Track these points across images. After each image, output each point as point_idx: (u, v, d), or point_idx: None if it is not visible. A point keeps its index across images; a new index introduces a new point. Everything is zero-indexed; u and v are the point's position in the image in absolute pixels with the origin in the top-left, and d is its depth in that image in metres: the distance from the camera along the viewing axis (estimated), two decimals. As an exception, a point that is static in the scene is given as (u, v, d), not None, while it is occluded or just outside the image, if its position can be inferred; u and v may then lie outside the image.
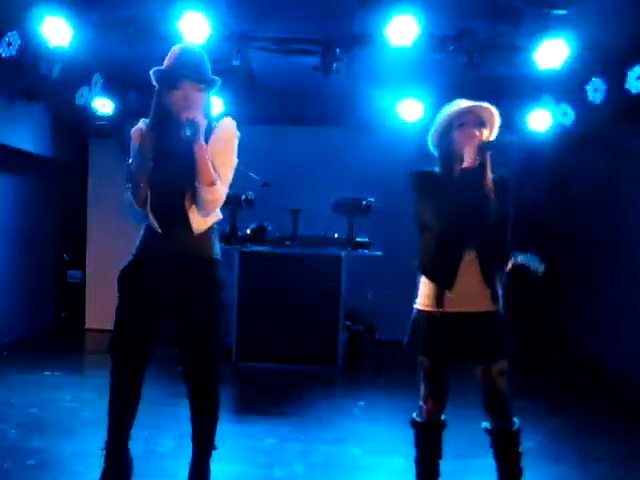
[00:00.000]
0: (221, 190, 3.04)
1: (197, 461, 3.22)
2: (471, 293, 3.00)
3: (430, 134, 3.13)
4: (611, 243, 6.94)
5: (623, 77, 5.53)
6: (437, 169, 3.12)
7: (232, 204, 6.62)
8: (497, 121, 3.07)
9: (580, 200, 7.68)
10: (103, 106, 6.95)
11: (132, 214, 3.25)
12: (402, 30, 5.04)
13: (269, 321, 6.54)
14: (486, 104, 3.03)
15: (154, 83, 3.06)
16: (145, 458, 3.88)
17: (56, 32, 5.18)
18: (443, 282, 3.01)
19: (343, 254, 6.63)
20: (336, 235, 6.81)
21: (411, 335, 3.13)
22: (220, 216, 3.20)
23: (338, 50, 5.57)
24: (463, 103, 3.03)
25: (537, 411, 5.22)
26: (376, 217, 6.82)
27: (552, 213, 7.79)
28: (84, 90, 6.65)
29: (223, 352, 6.65)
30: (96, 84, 6.69)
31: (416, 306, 3.16)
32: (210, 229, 3.13)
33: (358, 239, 6.75)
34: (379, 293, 7.60)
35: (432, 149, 3.17)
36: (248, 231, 6.76)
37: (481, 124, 3.01)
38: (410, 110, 7.09)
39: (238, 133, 3.17)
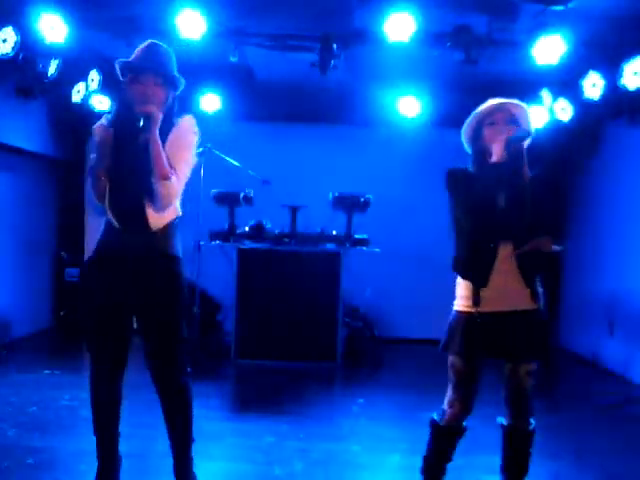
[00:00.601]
0: (176, 185, 3.00)
1: (178, 457, 3.22)
2: (509, 291, 2.94)
3: (462, 132, 3.11)
4: (607, 238, 6.95)
5: (620, 72, 5.54)
6: (470, 167, 3.09)
7: (231, 201, 6.63)
8: (528, 117, 3.04)
9: (578, 194, 7.69)
10: (100, 103, 6.94)
11: (95, 209, 3.24)
12: (400, 27, 5.04)
13: (268, 318, 6.53)
14: (516, 101, 3.01)
15: (119, 76, 3.09)
16: (143, 457, 3.89)
17: (53, 29, 5.18)
18: (477, 280, 2.95)
19: (342, 251, 6.62)
20: (334, 232, 6.80)
21: (448, 336, 3.05)
22: (179, 212, 3.17)
23: (336, 47, 5.55)
24: (494, 101, 3.01)
25: (534, 408, 5.23)
26: (374, 214, 6.82)
27: (545, 211, 7.78)
28: (81, 87, 6.64)
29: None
30: (93, 81, 6.68)
31: (454, 307, 3.08)
32: (169, 226, 3.11)
33: (357, 236, 6.74)
34: (378, 290, 7.60)
35: (465, 147, 3.14)
36: (247, 228, 6.75)
37: (512, 121, 2.98)
38: (408, 106, 7.08)
39: (197, 130, 3.15)
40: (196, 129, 3.15)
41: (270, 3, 5.07)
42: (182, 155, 3.07)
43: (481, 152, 3.03)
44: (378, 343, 7.34)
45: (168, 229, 3.10)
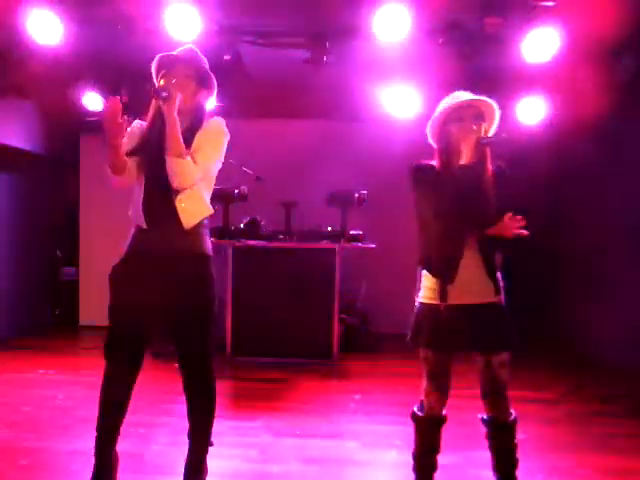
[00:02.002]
0: (191, 167, 2.98)
1: (193, 458, 3.23)
2: (474, 285, 2.99)
3: (428, 126, 3.11)
4: (602, 231, 6.96)
5: (612, 67, 5.56)
6: (435, 162, 3.09)
7: (225, 198, 6.62)
8: (497, 115, 3.04)
9: (571, 190, 7.70)
10: (94, 102, 6.92)
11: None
12: (392, 22, 5.03)
13: (264, 315, 6.53)
14: (485, 98, 3.01)
15: (154, 76, 3.11)
16: (141, 455, 3.89)
17: (45, 28, 5.16)
18: (445, 277, 3.00)
19: (337, 247, 6.62)
20: (329, 228, 6.80)
21: (414, 329, 3.13)
22: (211, 210, 3.18)
23: (328, 43, 5.54)
24: (462, 96, 3.01)
25: (532, 401, 5.25)
26: (369, 209, 6.82)
27: (544, 204, 7.81)
28: (74, 86, 6.63)
29: (215, 348, 6.66)
30: (87, 80, 6.67)
31: (419, 299, 3.15)
32: (200, 225, 3.12)
33: (352, 232, 6.74)
34: (373, 285, 7.61)
35: (430, 141, 3.14)
36: (241, 225, 6.74)
37: (480, 118, 2.99)
38: (402, 102, 7.07)
39: (227, 132, 3.18)
40: (226, 130, 3.17)
41: (262, 1, 5.06)
42: (206, 149, 3.07)
43: (447, 150, 3.02)
44: (374, 339, 7.36)
45: (199, 228, 3.11)
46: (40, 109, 7.35)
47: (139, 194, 3.05)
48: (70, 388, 5.40)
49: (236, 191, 6.53)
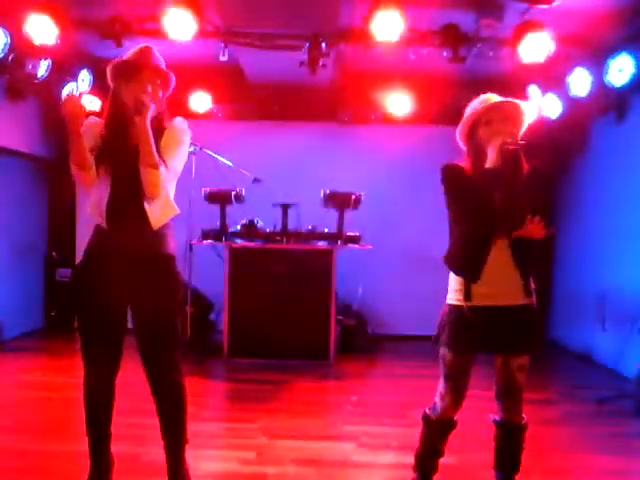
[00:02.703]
0: (164, 175, 3.02)
1: (171, 459, 3.23)
2: (503, 287, 2.96)
3: (458, 129, 3.09)
4: (596, 233, 6.99)
5: (606, 69, 5.60)
6: (465, 164, 3.07)
7: (222, 200, 6.62)
8: (526, 117, 3.02)
9: (566, 190, 7.73)
10: (90, 103, 6.92)
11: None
12: (387, 25, 5.04)
13: (260, 317, 6.53)
14: (514, 100, 2.99)
15: (109, 80, 3.11)
16: (137, 457, 3.89)
17: (42, 30, 5.17)
18: (469, 275, 2.97)
19: (334, 248, 6.63)
20: (326, 229, 6.81)
21: (440, 330, 3.09)
22: (177, 211, 3.20)
23: (325, 45, 5.55)
24: (490, 98, 3.00)
25: (529, 401, 5.24)
26: (366, 211, 6.83)
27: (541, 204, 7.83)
28: (71, 87, 6.63)
29: (211, 350, 6.66)
30: (83, 81, 6.68)
31: (447, 301, 3.11)
32: (165, 225, 3.13)
33: (348, 233, 6.75)
34: (370, 287, 7.62)
35: (460, 143, 3.13)
36: (238, 227, 6.75)
37: (507, 121, 2.97)
38: (398, 104, 7.09)
39: (189, 130, 3.19)
40: (188, 129, 3.19)
41: (258, 2, 5.06)
42: (173, 151, 3.09)
43: (476, 152, 3.01)
44: (371, 340, 7.37)
45: (164, 229, 3.12)
46: (37, 110, 7.35)
47: (103, 194, 3.04)
48: (66, 390, 5.39)
49: (233, 192, 6.53)
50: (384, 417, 4.87)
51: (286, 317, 6.53)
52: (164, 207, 3.11)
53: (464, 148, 3.11)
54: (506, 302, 2.96)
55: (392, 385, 5.82)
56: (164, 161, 3.02)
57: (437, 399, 3.14)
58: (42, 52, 5.61)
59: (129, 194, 3.02)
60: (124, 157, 3.02)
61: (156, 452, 3.90)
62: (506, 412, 3.07)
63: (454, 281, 3.06)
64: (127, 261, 3.03)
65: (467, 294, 2.96)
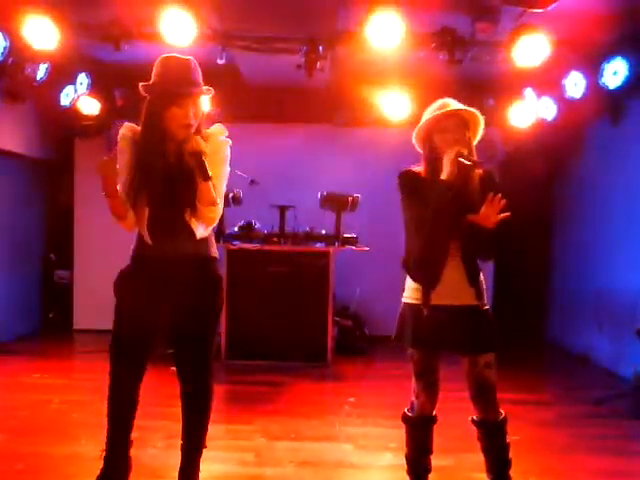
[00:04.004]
0: (221, 206, 3.08)
1: (187, 460, 3.24)
2: (455, 288, 3.05)
3: (414, 134, 3.15)
4: (593, 234, 7.02)
5: (601, 72, 5.63)
6: (422, 169, 3.14)
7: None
8: (480, 125, 3.07)
9: (562, 192, 7.76)
10: (89, 106, 6.94)
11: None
12: (385, 28, 5.07)
13: (258, 318, 6.55)
14: (468, 108, 3.04)
15: (145, 94, 3.03)
16: (137, 459, 3.90)
17: (41, 33, 5.18)
18: (427, 283, 3.06)
19: (331, 250, 6.65)
20: (323, 231, 6.83)
21: (399, 328, 3.19)
22: (219, 216, 3.21)
23: (322, 48, 5.57)
24: (447, 105, 3.03)
25: (523, 403, 5.28)
26: (363, 213, 6.86)
27: (534, 207, 7.86)
28: (70, 90, 6.65)
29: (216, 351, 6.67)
30: (82, 84, 6.70)
31: (403, 299, 3.21)
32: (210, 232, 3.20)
33: (346, 235, 6.77)
34: (367, 288, 7.64)
35: (417, 147, 3.19)
36: (236, 228, 6.77)
37: (463, 128, 3.02)
38: (394, 107, 7.11)
39: (230, 141, 3.17)
40: (228, 140, 3.16)
41: (256, 6, 5.08)
42: (220, 171, 3.11)
43: (432, 160, 3.08)
44: (368, 342, 7.39)
45: (209, 235, 3.19)
46: (35, 113, 7.36)
47: (142, 212, 3.03)
48: (65, 392, 5.41)
49: (231, 194, 6.55)
50: (382, 418, 4.89)
51: (284, 319, 6.55)
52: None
53: (420, 151, 3.17)
54: (456, 302, 3.05)
55: (389, 386, 5.84)
56: (215, 187, 3.01)
57: (413, 398, 3.24)
58: (41, 55, 5.62)
59: (170, 212, 3.03)
60: (162, 177, 2.99)
61: (155, 454, 3.92)
62: (483, 411, 3.11)
63: (411, 280, 3.14)
64: (169, 266, 3.05)
65: (425, 297, 3.05)
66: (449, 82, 6.21)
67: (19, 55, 5.55)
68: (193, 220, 3.04)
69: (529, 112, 6.83)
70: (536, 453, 4.20)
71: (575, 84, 6.07)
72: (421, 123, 3.10)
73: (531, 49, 5.22)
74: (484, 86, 6.18)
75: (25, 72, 5.76)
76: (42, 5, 5.08)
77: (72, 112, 6.94)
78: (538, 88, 6.66)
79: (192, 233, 3.05)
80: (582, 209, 7.33)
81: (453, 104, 3.05)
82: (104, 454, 3.15)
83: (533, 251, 7.90)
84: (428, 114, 3.09)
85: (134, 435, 3.20)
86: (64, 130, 7.69)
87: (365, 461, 4.10)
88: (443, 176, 2.96)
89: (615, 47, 5.56)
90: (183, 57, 3.03)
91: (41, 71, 5.93)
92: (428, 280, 3.06)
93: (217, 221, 3.13)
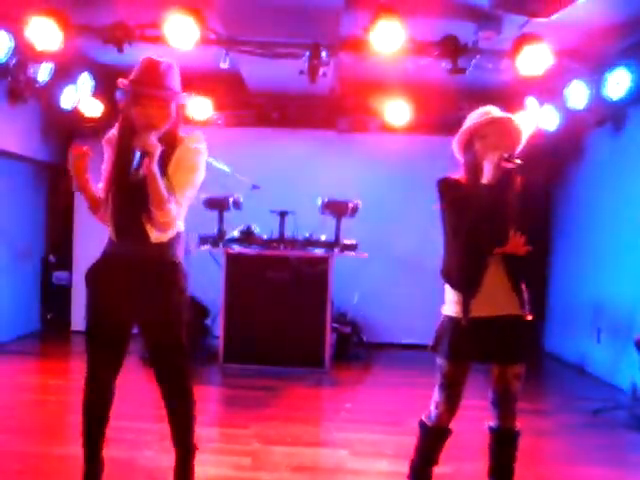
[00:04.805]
0: (174, 211, 3.02)
1: (180, 463, 3.23)
2: (497, 298, 3.01)
3: (455, 140, 3.13)
4: (592, 244, 7.02)
5: (603, 82, 5.65)
6: (461, 176, 3.11)
7: (220, 206, 6.64)
8: (523, 134, 3.06)
9: (563, 201, 7.77)
10: (90, 107, 6.95)
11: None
12: (387, 35, 5.08)
13: (256, 323, 6.54)
14: (511, 115, 3.03)
15: (121, 96, 3.11)
16: (132, 461, 3.90)
17: (44, 34, 5.19)
18: (467, 292, 3.00)
19: (330, 256, 6.64)
20: (323, 237, 6.82)
21: (437, 340, 3.12)
22: (181, 229, 3.21)
23: (325, 54, 5.58)
24: (490, 112, 3.04)
25: (525, 411, 5.26)
26: (363, 219, 6.85)
27: (533, 216, 7.86)
28: (72, 91, 6.66)
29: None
30: (84, 85, 6.70)
31: (443, 312, 3.13)
32: (170, 237, 3.15)
33: (345, 241, 6.77)
34: (366, 295, 7.64)
35: (457, 155, 3.17)
36: (236, 233, 6.76)
37: (504, 135, 3.01)
38: (396, 114, 7.13)
39: (204, 149, 3.12)
40: (203, 147, 3.11)
41: (260, 11, 5.09)
42: (184, 178, 3.05)
43: (472, 165, 3.05)
44: (366, 348, 7.39)
45: (170, 239, 3.15)
46: (37, 114, 7.37)
47: (108, 207, 3.10)
48: (62, 393, 5.40)
49: (231, 199, 6.56)
50: (378, 425, 4.88)
51: (282, 324, 6.54)
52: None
53: (460, 159, 3.15)
54: (501, 312, 3.00)
55: (386, 393, 5.84)
56: (174, 194, 2.99)
57: (432, 407, 3.17)
58: (44, 56, 5.63)
59: (131, 212, 3.04)
60: (123, 178, 3.01)
61: (152, 456, 3.92)
62: (501, 419, 3.10)
63: (451, 293, 3.08)
64: (132, 269, 3.06)
65: (465, 308, 2.99)
66: (451, 90, 6.24)
67: (22, 56, 5.56)
68: (148, 223, 3.04)
69: (531, 121, 6.83)
70: (533, 463, 4.18)
71: (577, 94, 6.08)
72: (463, 129, 3.08)
73: (534, 58, 5.23)
74: (486, 94, 6.15)
75: (28, 73, 5.78)
76: (46, 6, 5.09)
77: (74, 114, 6.95)
78: (540, 97, 6.67)
79: (147, 236, 3.05)
80: (582, 219, 7.33)
81: (495, 112, 3.04)
82: (84, 456, 3.19)
83: (531, 260, 7.89)
84: (470, 120, 3.08)
85: (121, 436, 3.20)
86: (66, 132, 7.69)
87: (361, 467, 4.09)
88: (484, 180, 2.95)
89: (618, 57, 5.57)
90: (157, 60, 3.03)
91: (44, 72, 5.95)
92: (468, 288, 2.99)
93: (172, 227, 3.08)
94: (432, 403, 3.17)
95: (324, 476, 3.93)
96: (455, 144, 3.14)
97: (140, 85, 2.98)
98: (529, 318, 3.04)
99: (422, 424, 3.22)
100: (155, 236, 3.08)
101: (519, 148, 3.09)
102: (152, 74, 3.00)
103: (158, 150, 2.92)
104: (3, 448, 4.10)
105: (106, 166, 3.12)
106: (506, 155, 2.92)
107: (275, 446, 4.38)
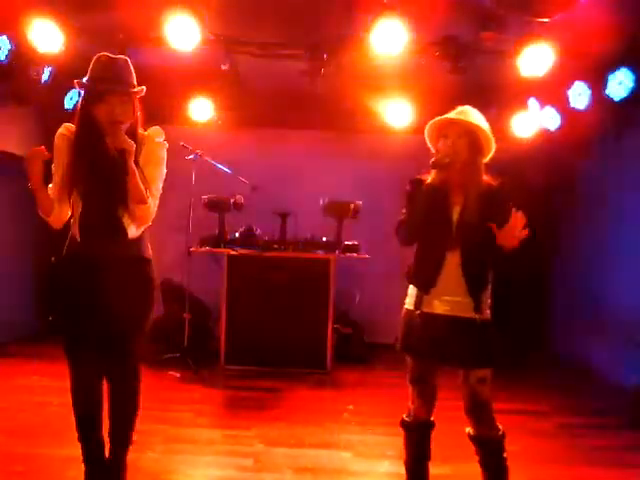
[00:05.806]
0: (152, 206, 3.10)
1: (115, 456, 3.27)
2: (450, 298, 3.05)
3: (425, 133, 3.20)
4: (595, 244, 7.01)
5: (605, 83, 5.64)
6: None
7: (221, 207, 6.64)
8: (486, 133, 3.06)
9: (563, 203, 7.76)
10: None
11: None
12: (389, 35, 5.07)
13: (258, 324, 6.53)
14: (469, 119, 3.04)
15: (80, 92, 3.12)
16: (135, 463, 3.89)
17: (46, 37, 5.19)
18: (421, 286, 3.11)
19: (332, 257, 6.64)
20: (325, 238, 6.82)
21: (399, 333, 3.22)
22: (150, 222, 3.24)
23: (325, 55, 5.58)
24: (463, 112, 3.08)
25: (522, 413, 5.27)
26: (365, 220, 6.85)
27: (535, 217, 7.86)
28: (74, 94, 6.66)
29: (209, 357, 6.64)
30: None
31: (405, 305, 3.23)
32: (142, 233, 3.21)
33: (347, 242, 6.76)
34: (368, 296, 7.63)
35: (430, 147, 3.23)
36: (237, 234, 6.76)
37: (463, 137, 3.04)
38: (397, 114, 7.12)
39: (166, 143, 3.20)
40: (164, 141, 3.20)
41: (260, 12, 5.10)
42: (155, 172, 3.13)
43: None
44: (368, 349, 7.38)
45: (141, 236, 3.20)
46: (39, 116, 7.37)
47: (75, 208, 3.11)
48: (64, 394, 5.37)
49: (232, 200, 6.55)
50: (380, 426, 4.88)
51: (283, 325, 6.54)
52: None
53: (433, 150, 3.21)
54: (452, 313, 3.05)
55: (388, 394, 5.82)
56: (150, 187, 3.06)
57: (409, 402, 3.28)
58: (46, 58, 5.63)
59: (104, 209, 3.06)
60: (97, 175, 3.03)
61: (154, 457, 3.92)
62: (476, 427, 3.09)
63: (411, 286, 3.21)
64: (105, 268, 3.06)
65: (418, 301, 3.10)
66: (452, 90, 6.22)
67: (24, 58, 5.56)
68: (126, 218, 3.07)
69: (532, 122, 6.83)
70: (534, 463, 4.19)
71: (579, 94, 6.07)
72: (429, 124, 3.15)
73: (536, 59, 5.23)
74: (487, 95, 6.17)
75: (29, 75, 5.77)
76: (47, 9, 5.09)
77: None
78: (542, 98, 6.66)
79: (124, 232, 3.08)
80: (585, 220, 7.32)
81: (467, 112, 3.08)
82: (83, 458, 3.22)
83: (533, 261, 7.89)
84: (433, 121, 3.13)
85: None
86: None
87: (363, 468, 4.10)
88: (429, 179, 3.03)
89: (620, 58, 5.56)
90: (114, 56, 3.09)
91: (45, 74, 5.94)
92: (422, 283, 3.11)
93: (149, 221, 3.15)
94: (409, 398, 3.27)
95: (326, 477, 3.93)
96: (426, 134, 3.20)
97: (102, 82, 3.01)
98: (479, 321, 3.03)
99: (403, 421, 3.31)
100: (132, 232, 3.11)
101: (489, 156, 3.11)
102: (113, 70, 3.05)
103: (134, 147, 2.97)
104: (6, 450, 4.11)
105: (63, 166, 3.10)
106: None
107: (277, 447, 4.38)
